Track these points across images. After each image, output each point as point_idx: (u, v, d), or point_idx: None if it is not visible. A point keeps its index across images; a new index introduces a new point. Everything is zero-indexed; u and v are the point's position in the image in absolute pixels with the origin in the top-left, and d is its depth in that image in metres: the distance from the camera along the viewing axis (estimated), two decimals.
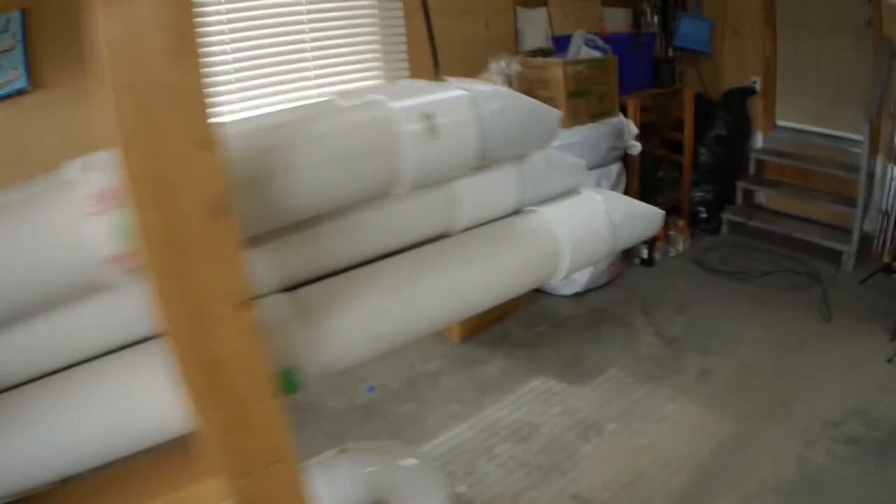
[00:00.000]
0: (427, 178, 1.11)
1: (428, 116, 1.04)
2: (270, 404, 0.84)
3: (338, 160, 1.00)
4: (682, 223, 4.42)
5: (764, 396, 2.88)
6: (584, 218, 1.39)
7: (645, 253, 4.22)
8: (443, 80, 1.21)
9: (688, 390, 2.98)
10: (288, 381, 0.97)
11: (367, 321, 1.07)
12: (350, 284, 1.09)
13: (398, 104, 1.05)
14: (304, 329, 1.00)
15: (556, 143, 3.35)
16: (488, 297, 1.25)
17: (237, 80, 3.41)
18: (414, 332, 1.14)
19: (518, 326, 3.66)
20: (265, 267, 1.02)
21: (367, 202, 1.12)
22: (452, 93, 1.12)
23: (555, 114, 1.30)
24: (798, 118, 4.55)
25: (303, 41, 3.54)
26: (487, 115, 1.11)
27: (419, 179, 1.08)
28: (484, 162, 1.18)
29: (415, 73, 3.80)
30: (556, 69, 3.64)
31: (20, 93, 2.63)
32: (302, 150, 0.97)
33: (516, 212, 1.37)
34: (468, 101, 1.11)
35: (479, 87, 1.16)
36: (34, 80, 2.65)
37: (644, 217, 1.51)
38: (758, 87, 4.60)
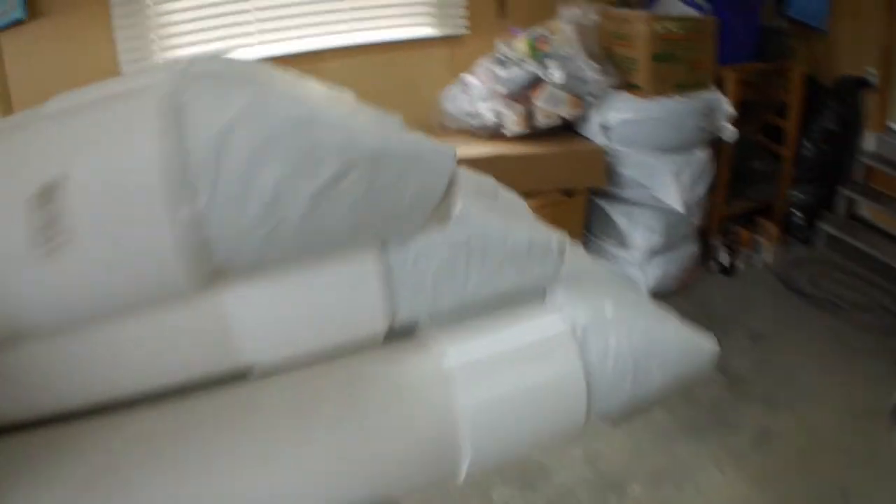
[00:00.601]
0: (69, 317, 0.56)
1: (45, 200, 0.48)
2: None
3: None
4: (773, 228, 3.71)
5: (825, 479, 2.26)
6: (529, 364, 0.80)
7: (726, 259, 3.55)
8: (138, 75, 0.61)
9: (740, 456, 2.36)
10: None
11: None
12: None
13: None
14: None
15: (629, 116, 2.52)
16: None
17: (257, 20, 2.88)
18: None
19: None
20: None
21: None
22: (136, 121, 0.54)
23: (444, 153, 0.67)
24: None
25: None
26: (218, 182, 0.53)
27: (47, 323, 0.56)
28: (235, 271, 0.60)
29: (474, 17, 3.22)
30: (639, 24, 2.98)
31: (17, 23, 2.52)
32: None
33: (391, 335, 0.81)
34: (159, 144, 0.51)
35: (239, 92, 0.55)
36: (31, 9, 2.53)
37: (674, 358, 0.91)
38: (873, 79, 3.78)
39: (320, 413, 0.70)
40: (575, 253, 1.15)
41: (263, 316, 0.71)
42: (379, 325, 0.78)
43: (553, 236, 0.89)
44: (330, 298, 0.74)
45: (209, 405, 0.70)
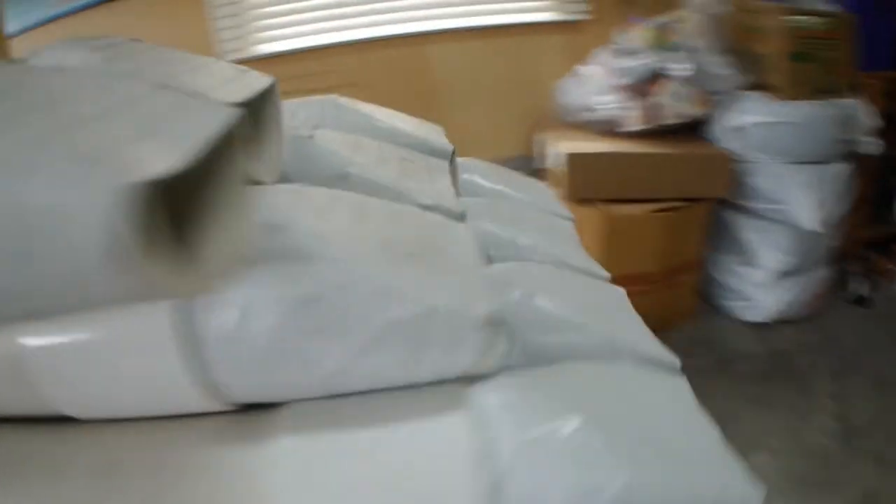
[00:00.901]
0: None
1: None
2: None
3: None
4: None
5: None
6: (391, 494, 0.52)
7: (862, 289, 3.17)
8: None
9: None
10: None
11: None
12: None
13: None
14: None
15: (762, 119, 2.46)
16: None
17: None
18: None
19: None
20: None
21: None
22: None
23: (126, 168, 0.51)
24: None
25: None
26: None
27: None
28: None
29: (595, 1, 2.98)
30: (772, 18, 2.67)
31: (101, 3, 2.48)
32: None
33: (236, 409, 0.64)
34: None
35: None
36: None
37: None
38: None
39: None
40: (610, 306, 0.90)
41: (65, 371, 0.58)
42: (201, 403, 0.59)
43: (481, 303, 0.59)
44: (131, 364, 0.58)
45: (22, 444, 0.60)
